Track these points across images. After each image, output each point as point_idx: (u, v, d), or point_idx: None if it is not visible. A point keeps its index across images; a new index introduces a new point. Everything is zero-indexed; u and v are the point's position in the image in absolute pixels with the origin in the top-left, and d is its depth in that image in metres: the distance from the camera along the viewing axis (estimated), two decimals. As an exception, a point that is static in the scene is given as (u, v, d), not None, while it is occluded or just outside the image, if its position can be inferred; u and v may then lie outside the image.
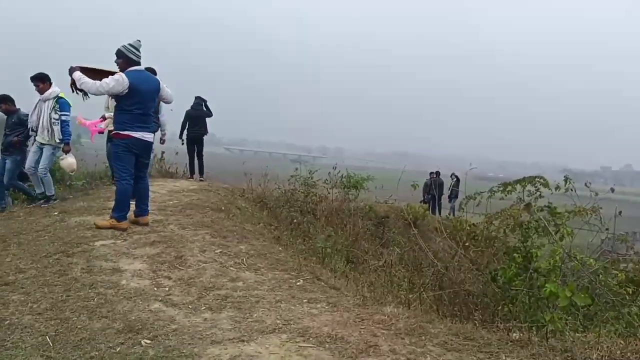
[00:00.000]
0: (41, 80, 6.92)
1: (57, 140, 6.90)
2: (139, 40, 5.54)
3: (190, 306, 3.50)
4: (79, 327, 3.15)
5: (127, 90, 5.20)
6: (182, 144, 10.51)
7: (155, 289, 3.80)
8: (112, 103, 7.69)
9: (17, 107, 7.43)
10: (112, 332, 3.08)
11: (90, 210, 6.34)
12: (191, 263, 4.37)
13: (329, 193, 10.79)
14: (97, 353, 2.80)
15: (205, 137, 10.72)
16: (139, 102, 5.30)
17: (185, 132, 10.43)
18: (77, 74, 5.24)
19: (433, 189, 17.88)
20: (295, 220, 7.68)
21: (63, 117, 6.90)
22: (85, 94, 5.46)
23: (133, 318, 3.26)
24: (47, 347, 2.92)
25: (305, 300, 3.64)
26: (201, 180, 10.20)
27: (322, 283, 4.22)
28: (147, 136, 5.47)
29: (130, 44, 5.42)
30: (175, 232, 5.32)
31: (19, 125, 7.22)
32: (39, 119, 6.90)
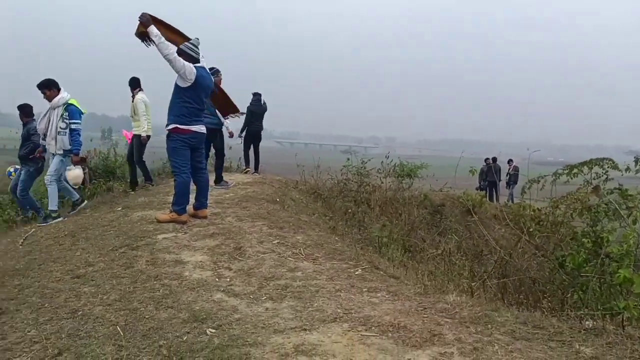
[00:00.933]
0: (47, 87, 6.62)
1: (61, 151, 6.64)
2: (197, 39, 5.67)
3: (251, 296, 3.54)
4: (146, 317, 3.25)
5: (190, 83, 5.31)
6: (241, 141, 10.55)
7: (217, 279, 3.87)
8: (141, 108, 8.00)
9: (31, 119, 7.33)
10: (178, 321, 3.16)
11: (151, 205, 6.54)
12: (250, 254, 4.43)
13: (382, 182, 10.69)
14: (165, 342, 2.88)
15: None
16: (198, 96, 5.44)
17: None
18: (155, 31, 5.16)
19: (490, 175, 17.41)
20: (350, 210, 7.66)
21: (73, 126, 6.61)
22: (149, 43, 5.41)
23: (197, 308, 3.33)
24: (118, 337, 3.02)
25: (365, 290, 3.62)
26: (254, 173, 10.34)
27: (381, 272, 4.18)
28: (202, 128, 5.61)
29: (190, 43, 5.54)
30: (233, 224, 5.40)
31: (26, 140, 7.15)
32: (47, 127, 6.68)
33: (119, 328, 3.13)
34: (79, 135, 6.65)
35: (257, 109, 10.39)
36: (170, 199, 6.76)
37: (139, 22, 5.30)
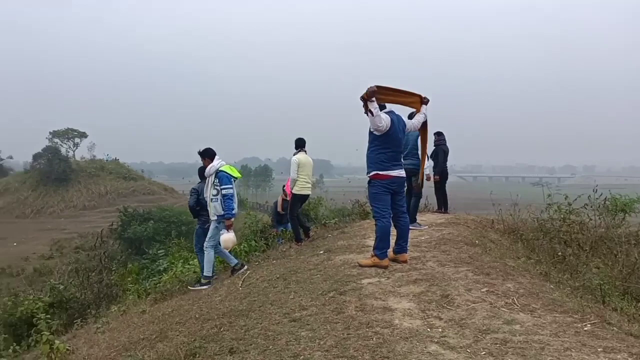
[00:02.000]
0: (202, 157, 7.13)
1: (215, 217, 6.97)
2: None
3: (468, 350, 3.37)
4: (364, 366, 3.29)
5: (386, 131, 5.48)
6: (437, 179, 10.41)
7: (429, 329, 3.78)
8: (292, 168, 8.31)
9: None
10: (396, 373, 3.13)
11: (350, 248, 6.75)
12: (459, 302, 4.26)
13: (590, 219, 9.63)
14: (387, 395, 2.86)
15: None
16: (393, 141, 5.54)
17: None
18: (374, 107, 5.43)
19: None
20: (560, 253, 6.99)
21: (223, 191, 6.88)
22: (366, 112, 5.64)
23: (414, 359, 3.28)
24: (340, 385, 3.10)
25: (600, 349, 3.20)
26: (444, 213, 10.13)
27: (614, 328, 3.69)
28: (402, 173, 5.66)
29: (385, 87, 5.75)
30: (435, 270, 5.29)
31: (194, 193, 7.73)
32: (204, 194, 7.24)
33: (339, 376, 3.21)
34: (231, 200, 6.91)
35: (447, 149, 10.26)
36: (368, 242, 6.94)
37: (368, 90, 5.58)
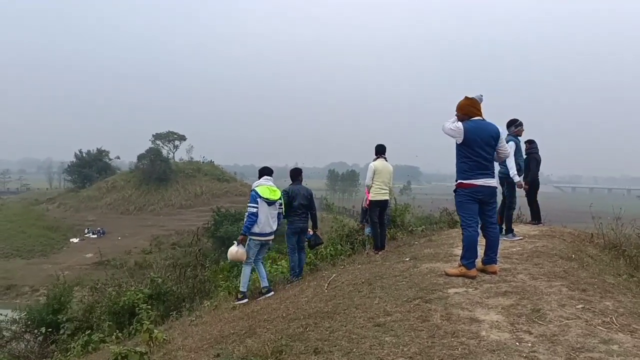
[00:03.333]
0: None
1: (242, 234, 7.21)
2: (481, 95, 5.73)
3: (559, 367, 3.24)
4: (448, 375, 3.26)
5: (462, 139, 5.42)
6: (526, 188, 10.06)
7: (517, 343, 3.66)
8: (368, 175, 8.39)
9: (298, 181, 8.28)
10: (481, 385, 3.08)
11: (437, 257, 6.66)
12: (551, 318, 4.09)
13: None
14: (471, 406, 2.83)
15: None
16: (475, 150, 5.43)
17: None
18: (455, 118, 5.63)
19: None
20: (667, 272, 6.47)
21: (249, 209, 7.18)
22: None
23: (500, 373, 3.20)
24: (423, 392, 3.10)
25: None
26: (538, 224, 9.69)
27: None
28: (489, 182, 5.52)
29: (471, 97, 5.67)
30: (526, 283, 5.10)
31: (284, 195, 8.01)
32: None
33: (423, 383, 3.20)
34: (250, 217, 7.14)
35: (539, 158, 9.84)
36: (456, 251, 6.82)
37: (472, 98, 5.65)
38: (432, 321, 4.22)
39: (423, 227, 10.99)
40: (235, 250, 7.13)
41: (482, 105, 5.70)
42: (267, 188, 7.33)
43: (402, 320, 4.33)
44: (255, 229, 7.15)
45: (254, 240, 7.22)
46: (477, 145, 5.45)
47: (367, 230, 10.03)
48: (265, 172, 7.61)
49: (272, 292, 7.34)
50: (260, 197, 7.17)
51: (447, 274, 5.51)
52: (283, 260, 11.55)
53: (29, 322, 13.14)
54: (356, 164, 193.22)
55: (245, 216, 7.20)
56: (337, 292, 5.81)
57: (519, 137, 8.81)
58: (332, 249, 10.57)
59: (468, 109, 5.62)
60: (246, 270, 7.28)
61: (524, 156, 9.44)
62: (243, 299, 7.22)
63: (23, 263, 47.87)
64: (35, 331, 12.42)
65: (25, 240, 53.49)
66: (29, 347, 12.32)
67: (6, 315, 14.38)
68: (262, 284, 7.44)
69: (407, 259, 6.75)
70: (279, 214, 7.46)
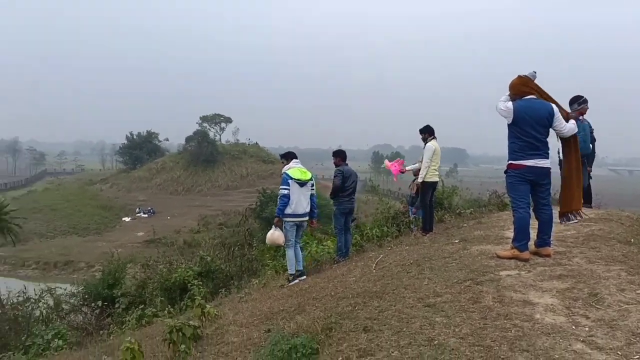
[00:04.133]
0: (281, 158, 7.82)
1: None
2: (535, 72, 5.54)
3: (619, 352, 3.15)
4: (502, 357, 3.22)
5: (511, 119, 5.31)
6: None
7: (574, 327, 3.57)
8: (427, 155, 8.22)
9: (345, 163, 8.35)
10: (536, 368, 3.03)
11: (488, 239, 6.54)
12: (610, 302, 3.96)
13: None
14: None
15: None
16: (525, 130, 5.28)
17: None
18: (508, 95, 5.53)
19: None
20: None
21: (280, 191, 7.24)
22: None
23: (556, 356, 3.14)
24: (475, 373, 3.07)
25: None
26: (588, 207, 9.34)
27: None
28: (541, 162, 5.35)
29: (524, 75, 5.49)
30: (582, 266, 4.94)
31: (339, 174, 8.17)
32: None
33: (475, 363, 3.17)
34: (282, 199, 7.17)
35: (593, 140, 9.43)
36: (507, 233, 6.67)
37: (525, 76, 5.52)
38: (483, 303, 4.16)
39: (471, 209, 10.79)
40: (272, 234, 7.23)
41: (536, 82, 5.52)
42: (298, 170, 7.38)
43: (453, 302, 4.29)
44: (289, 211, 7.21)
45: (288, 221, 7.28)
46: (527, 125, 5.30)
47: (413, 212, 9.95)
48: (292, 155, 7.67)
49: (305, 277, 7.36)
50: (291, 178, 7.23)
51: (498, 257, 5.40)
52: (329, 241, 11.62)
53: (86, 296, 13.78)
54: (401, 146, 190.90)
55: (278, 199, 7.28)
56: (385, 272, 5.80)
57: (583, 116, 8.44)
58: (377, 230, 10.55)
59: (519, 88, 5.46)
60: (289, 253, 7.35)
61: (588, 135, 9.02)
62: (295, 279, 7.28)
63: (79, 240, 50.06)
64: (92, 304, 13.00)
65: (80, 219, 55.85)
66: (86, 319, 12.91)
67: (65, 289, 15.12)
68: (297, 266, 7.47)
69: (457, 241, 6.65)
70: (311, 195, 7.47)
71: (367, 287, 5.28)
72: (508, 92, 5.52)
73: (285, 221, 7.26)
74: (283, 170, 7.44)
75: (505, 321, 3.75)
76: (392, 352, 3.57)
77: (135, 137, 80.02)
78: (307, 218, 7.44)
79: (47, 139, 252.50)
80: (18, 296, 13.49)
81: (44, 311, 13.41)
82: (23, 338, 11.18)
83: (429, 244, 7.01)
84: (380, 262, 6.46)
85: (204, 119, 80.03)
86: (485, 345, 3.40)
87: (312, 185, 7.47)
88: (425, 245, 6.94)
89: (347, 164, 8.35)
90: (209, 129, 79.03)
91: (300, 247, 7.70)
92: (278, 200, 7.25)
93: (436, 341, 3.58)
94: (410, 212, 10.31)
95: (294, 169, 7.33)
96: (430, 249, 6.48)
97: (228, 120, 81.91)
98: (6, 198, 42.01)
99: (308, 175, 7.43)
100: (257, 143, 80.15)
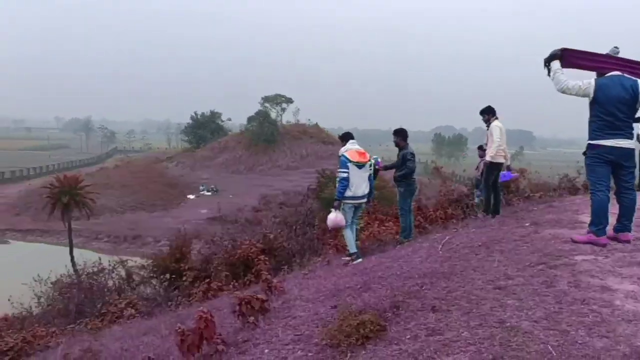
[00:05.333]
0: (339, 140, 7.77)
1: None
2: (617, 48, 5.25)
3: None
4: (579, 342, 3.12)
5: (592, 97, 5.05)
6: None
7: (659, 316, 3.40)
8: (495, 134, 7.90)
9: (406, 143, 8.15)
10: (617, 354, 2.91)
11: (560, 223, 6.31)
12: (698, 292, 3.74)
13: None
14: (607, 374, 2.69)
15: None
16: (606, 109, 5.01)
17: None
18: (555, 66, 5.27)
19: None
20: None
21: (340, 174, 7.18)
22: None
23: (639, 344, 3.00)
24: (551, 357, 2.99)
25: None
26: None
27: None
28: (622, 143, 5.06)
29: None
30: (667, 254, 4.69)
31: (401, 164, 7.99)
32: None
33: (550, 347, 3.09)
34: (341, 182, 7.15)
35: None
36: (581, 217, 6.41)
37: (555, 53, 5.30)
38: (558, 287, 4.03)
39: (541, 193, 10.43)
40: (334, 217, 7.25)
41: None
42: (356, 152, 7.34)
43: (525, 285, 4.18)
44: (348, 193, 7.21)
45: (347, 203, 7.29)
46: (609, 104, 5.03)
47: (478, 195, 9.74)
48: (349, 136, 7.63)
49: (361, 259, 7.37)
50: (350, 161, 7.20)
51: (573, 241, 5.20)
52: (390, 222, 11.57)
53: (155, 269, 14.47)
54: (464, 128, 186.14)
55: (337, 182, 7.29)
56: (452, 254, 5.73)
57: None
58: (441, 212, 10.41)
59: (580, 64, 5.21)
60: (348, 233, 7.39)
61: None
62: (357, 259, 7.29)
63: (147, 216, 52.34)
64: (161, 277, 13.64)
65: (148, 195, 58.30)
66: (155, 290, 13.58)
67: (135, 262, 15.93)
68: (351, 250, 7.50)
69: (527, 224, 6.45)
70: (369, 176, 7.44)
71: (434, 268, 5.23)
72: (555, 63, 5.28)
73: (345, 203, 7.30)
74: (340, 152, 7.41)
75: (582, 306, 3.62)
76: (462, 333, 3.53)
77: (199, 117, 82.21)
78: (365, 200, 7.46)
79: (117, 118, 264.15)
80: (93, 267, 14.32)
81: (117, 282, 14.22)
82: (98, 306, 11.90)
83: (497, 226, 6.84)
84: (446, 243, 6.38)
85: (266, 99, 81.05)
86: (561, 330, 3.30)
87: (370, 166, 7.46)
88: (494, 228, 6.78)
89: (408, 144, 8.25)
90: (270, 110, 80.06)
91: (356, 229, 7.74)
92: (337, 183, 7.28)
93: (508, 323, 3.51)
94: (475, 195, 10.10)
95: (352, 152, 7.30)
96: (499, 232, 6.33)
97: (289, 100, 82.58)
98: (81, 174, 44.54)
99: (367, 157, 7.42)
100: (317, 124, 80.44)
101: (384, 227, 10.86)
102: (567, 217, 6.63)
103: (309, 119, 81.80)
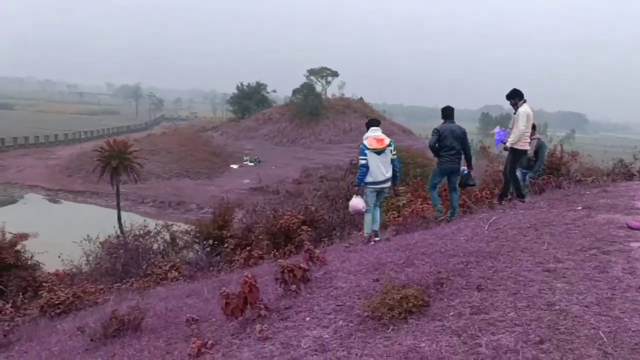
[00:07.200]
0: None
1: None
2: None
3: None
4: (632, 329, 3.01)
5: None
6: None
7: None
8: (522, 120, 7.68)
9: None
10: (673, 345, 2.80)
11: (615, 208, 6.06)
12: None
13: None
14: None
15: None
16: None
17: None
18: None
19: None
20: None
21: (359, 162, 7.32)
22: None
23: (697, 336, 2.88)
24: (602, 342, 2.91)
25: None
26: None
27: None
28: None
29: None
30: None
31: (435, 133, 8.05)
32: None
33: (601, 333, 3.00)
34: (360, 169, 7.31)
35: None
36: (637, 203, 6.15)
37: None
38: (612, 273, 3.90)
39: (594, 177, 10.02)
40: (356, 202, 7.47)
41: None
42: (374, 139, 7.39)
43: (576, 269, 4.07)
44: (369, 179, 7.35)
45: (369, 188, 7.44)
46: None
47: (530, 176, 9.50)
48: (372, 123, 7.69)
49: (378, 239, 7.53)
50: (367, 149, 7.31)
51: (629, 227, 4.99)
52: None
53: (198, 235, 14.83)
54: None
55: (357, 168, 7.45)
56: (498, 234, 5.60)
57: None
58: (487, 192, 10.17)
59: None
60: (367, 217, 7.58)
61: None
62: (370, 242, 7.47)
63: (191, 183, 53.57)
64: (204, 242, 13.96)
65: (193, 163, 59.55)
66: (198, 255, 13.94)
67: (179, 227, 16.35)
68: (374, 227, 7.63)
69: (579, 208, 6.23)
70: (392, 160, 7.47)
71: (479, 247, 5.14)
72: None
73: (366, 188, 7.47)
74: (363, 140, 7.50)
75: (637, 293, 3.49)
76: (508, 313, 3.47)
77: (245, 87, 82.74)
78: (388, 184, 7.52)
79: (165, 86, 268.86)
80: (139, 229, 14.78)
81: (161, 245, 14.66)
82: (144, 267, 12.32)
83: (546, 209, 6.64)
84: (493, 223, 6.24)
85: (312, 71, 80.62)
86: (613, 316, 3.20)
87: (391, 150, 7.42)
88: (543, 210, 6.58)
89: (453, 122, 8.07)
90: (315, 82, 79.69)
91: (380, 210, 7.87)
92: (358, 170, 7.46)
93: (557, 306, 3.43)
94: (525, 177, 9.82)
95: (370, 139, 7.39)
96: (549, 214, 6.14)
97: (335, 74, 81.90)
98: (130, 139, 45.78)
99: (385, 143, 7.41)
100: (361, 98, 79.69)
101: (427, 205, 10.72)
102: (622, 202, 6.36)
103: (354, 94, 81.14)
